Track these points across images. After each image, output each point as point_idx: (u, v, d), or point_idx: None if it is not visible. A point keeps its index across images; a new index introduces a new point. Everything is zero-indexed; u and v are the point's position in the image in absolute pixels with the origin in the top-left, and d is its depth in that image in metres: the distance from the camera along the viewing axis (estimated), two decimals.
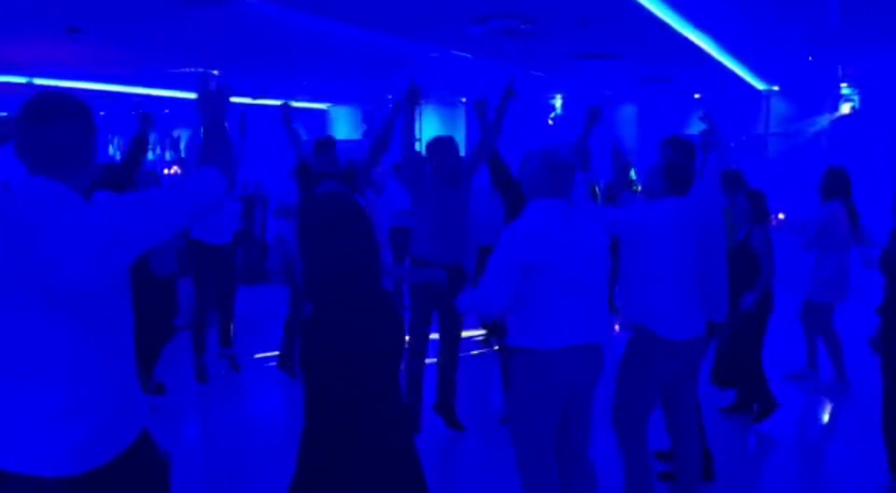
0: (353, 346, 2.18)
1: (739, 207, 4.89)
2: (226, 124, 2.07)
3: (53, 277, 1.68)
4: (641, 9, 5.90)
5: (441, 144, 4.61)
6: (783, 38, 7.57)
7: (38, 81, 10.71)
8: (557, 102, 14.42)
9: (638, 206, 3.82)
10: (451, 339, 4.61)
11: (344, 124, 15.78)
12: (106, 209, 1.75)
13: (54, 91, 1.88)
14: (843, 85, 12.03)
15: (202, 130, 2.07)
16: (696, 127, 14.03)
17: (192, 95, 13.39)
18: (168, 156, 18.51)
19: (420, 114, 15.70)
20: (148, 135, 4.94)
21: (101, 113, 17.89)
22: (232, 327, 6.12)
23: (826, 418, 5.39)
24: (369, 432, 2.21)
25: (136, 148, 4.85)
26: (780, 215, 9.86)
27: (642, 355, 3.40)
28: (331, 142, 5.35)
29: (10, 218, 1.72)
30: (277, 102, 16.93)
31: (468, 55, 8.39)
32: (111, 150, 19.38)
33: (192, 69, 10.09)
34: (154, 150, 18.95)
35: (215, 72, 9.81)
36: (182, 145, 18.61)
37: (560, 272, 2.90)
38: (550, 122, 14.73)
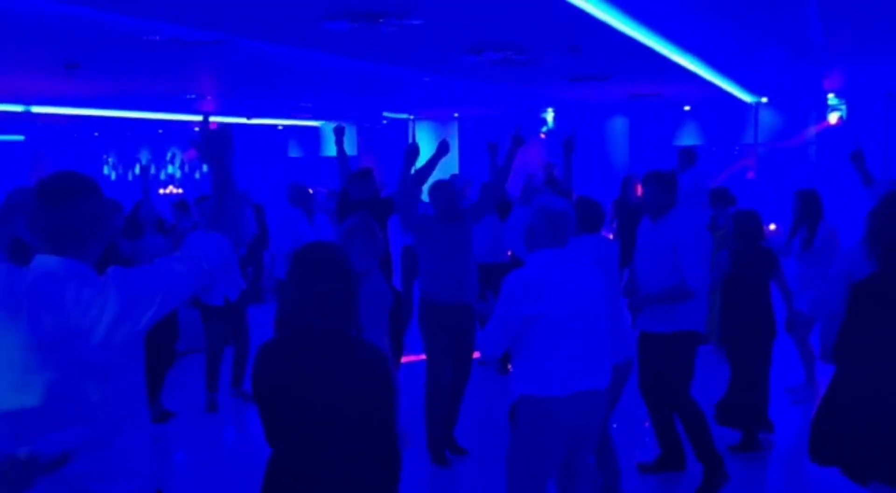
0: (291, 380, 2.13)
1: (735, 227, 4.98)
2: (231, 169, 2.12)
3: (67, 342, 1.76)
4: (628, 37, 6.04)
5: (440, 190, 4.69)
6: (769, 56, 7.73)
7: (36, 109, 10.82)
8: (549, 115, 14.56)
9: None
10: (460, 373, 4.73)
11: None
12: (120, 283, 1.83)
13: (67, 172, 1.93)
14: (830, 95, 12.21)
15: (211, 180, 2.11)
16: (685, 139, 14.20)
17: (184, 117, 13.50)
18: (162, 176, 18.60)
19: (413, 129, 15.84)
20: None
21: (96, 134, 17.98)
22: (245, 365, 6.08)
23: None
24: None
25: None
26: (772, 226, 9.98)
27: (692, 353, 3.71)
28: (368, 172, 5.57)
29: (27, 288, 1.79)
30: (271, 122, 16.96)
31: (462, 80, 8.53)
32: (106, 169, 19.47)
33: (188, 96, 10.20)
34: (150, 169, 19.02)
35: (209, 117, 9.89)
36: (176, 164, 18.74)
37: (561, 321, 2.98)
38: (542, 135, 14.86)
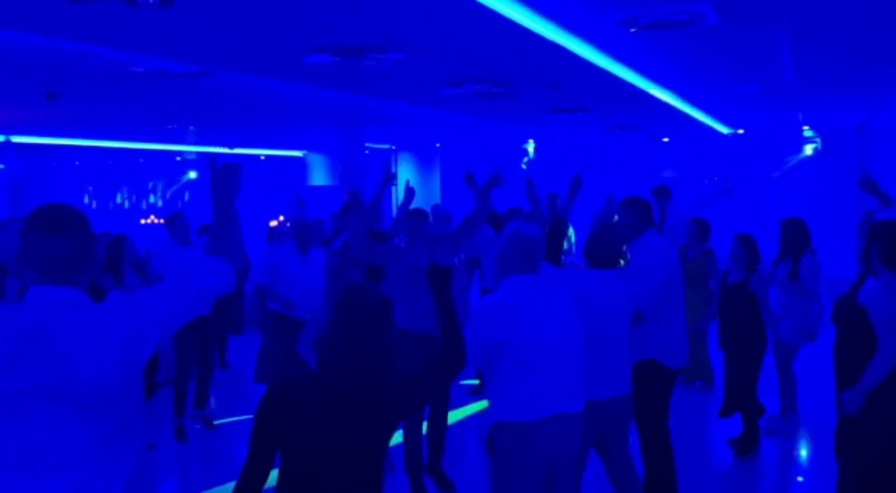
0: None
1: (734, 253, 5.19)
2: (235, 204, 2.14)
3: (70, 377, 1.75)
4: (606, 73, 6.16)
5: (411, 218, 4.73)
6: (743, 92, 7.90)
7: (16, 139, 10.78)
8: (530, 147, 14.72)
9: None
10: (440, 403, 4.71)
11: (320, 172, 15.92)
12: (118, 309, 1.83)
13: (57, 204, 1.95)
14: (806, 127, 12.47)
15: (214, 211, 2.13)
16: (665, 171, 14.30)
17: (165, 147, 13.49)
18: (143, 205, 18.52)
19: (395, 159, 15.92)
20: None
21: (77, 163, 17.89)
22: (208, 388, 6.16)
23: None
24: None
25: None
26: None
27: (660, 386, 3.67)
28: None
29: (25, 326, 1.79)
30: (253, 151, 16.93)
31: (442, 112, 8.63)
32: (86, 199, 19.35)
33: (169, 126, 10.21)
34: (130, 198, 18.95)
35: (192, 129, 9.92)
36: (157, 195, 18.67)
37: (533, 346, 3.01)
38: (524, 166, 15.00)
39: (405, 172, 16.11)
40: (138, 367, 1.87)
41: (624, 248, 3.88)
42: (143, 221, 17.11)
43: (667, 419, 4.13)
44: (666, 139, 13.45)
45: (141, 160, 16.84)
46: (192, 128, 9.87)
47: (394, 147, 15.61)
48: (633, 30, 4.54)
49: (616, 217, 4.45)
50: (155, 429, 5.85)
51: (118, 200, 18.88)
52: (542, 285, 3.15)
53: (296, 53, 5.16)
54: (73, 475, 1.80)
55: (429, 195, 15.88)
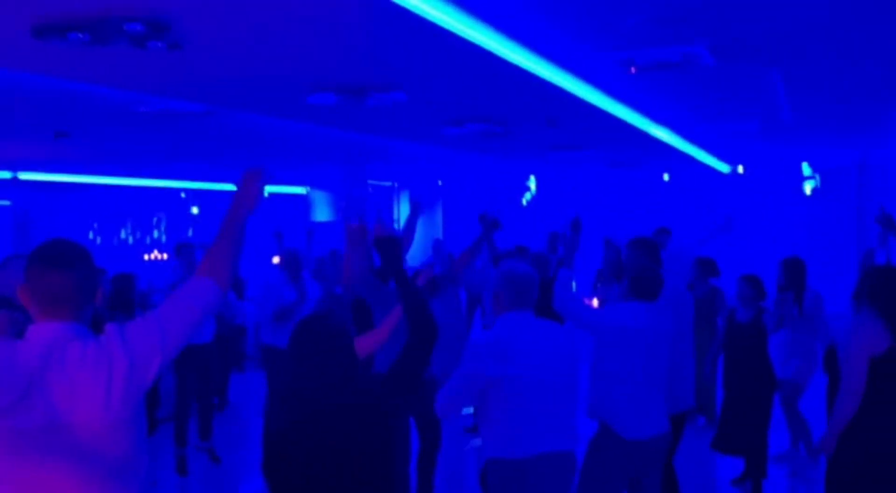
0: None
1: (741, 292, 5.16)
2: (245, 224, 2.17)
3: (75, 413, 1.77)
4: (604, 112, 6.25)
5: None
6: (741, 131, 8.00)
7: (23, 176, 10.90)
8: (532, 183, 14.81)
9: (613, 307, 3.99)
10: (430, 442, 4.70)
11: (323, 208, 16.02)
12: (117, 340, 1.85)
13: (59, 239, 2.00)
14: (805, 164, 12.56)
15: (225, 223, 2.13)
16: (665, 208, 14.34)
17: (169, 183, 13.61)
18: (147, 240, 18.61)
19: (398, 197, 16.03)
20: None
21: (82, 199, 18.03)
22: (211, 420, 6.16)
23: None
24: None
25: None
26: None
27: (604, 452, 3.57)
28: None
29: (30, 365, 1.80)
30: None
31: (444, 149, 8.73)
32: (90, 234, 19.45)
33: (176, 163, 10.33)
34: (134, 234, 19.05)
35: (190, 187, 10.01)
36: (161, 229, 18.77)
37: (527, 383, 3.03)
38: (524, 202, 15.08)
39: (407, 209, 16.19)
40: (141, 396, 1.89)
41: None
42: (146, 257, 17.17)
43: (672, 458, 4.13)
44: (666, 176, 13.54)
45: (146, 196, 16.97)
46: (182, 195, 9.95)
47: (396, 184, 15.73)
48: (633, 69, 4.63)
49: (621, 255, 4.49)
50: (156, 465, 5.84)
51: (122, 235, 18.98)
52: (537, 322, 3.19)
53: (299, 93, 5.26)
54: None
55: (431, 231, 15.95)
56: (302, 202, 16.50)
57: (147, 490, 2.01)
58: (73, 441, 1.79)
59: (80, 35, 3.33)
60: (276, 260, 8.70)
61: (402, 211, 16.08)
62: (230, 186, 14.30)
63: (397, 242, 2.61)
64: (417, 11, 3.36)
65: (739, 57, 4.71)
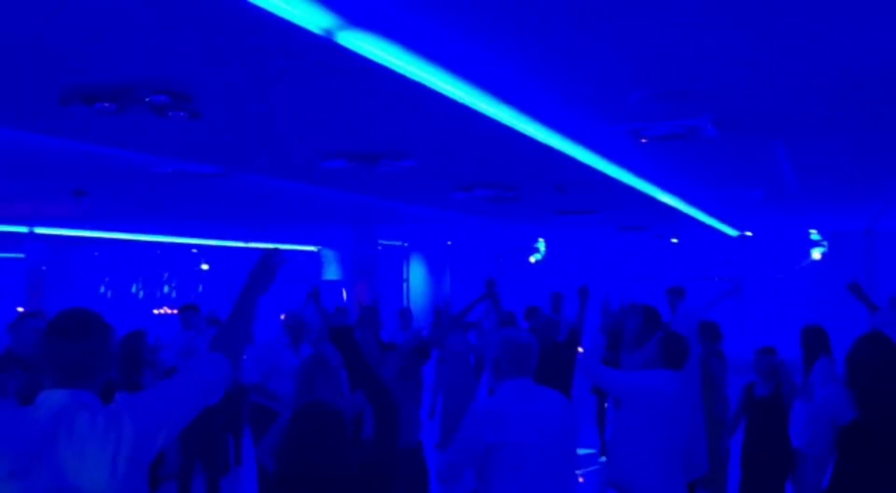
0: None
1: (759, 366, 5.04)
2: (258, 302, 2.22)
3: (81, 481, 1.79)
4: (611, 179, 6.36)
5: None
6: (746, 198, 8.09)
7: (39, 231, 11.08)
8: (541, 245, 14.92)
9: (644, 373, 3.92)
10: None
11: (333, 266, 16.12)
12: (125, 411, 1.88)
13: (77, 309, 2.06)
14: (813, 231, 12.61)
15: (239, 301, 2.20)
16: (673, 271, 14.33)
17: (181, 240, 13.76)
18: (157, 295, 18.72)
19: (408, 258, 16.13)
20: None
21: (96, 254, 18.24)
22: (217, 481, 6.09)
23: None
24: None
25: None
26: None
27: None
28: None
29: (38, 430, 1.83)
30: (267, 246, 17.24)
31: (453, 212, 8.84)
32: (102, 289, 19.59)
33: (189, 221, 10.49)
34: (145, 289, 19.17)
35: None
36: (172, 284, 18.90)
37: (525, 450, 3.03)
38: (533, 260, 15.15)
39: (417, 270, 16.27)
40: (146, 466, 1.92)
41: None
42: (155, 311, 17.25)
43: None
44: (675, 240, 13.61)
45: (158, 252, 17.16)
46: (194, 250, 10.10)
47: (406, 244, 15.85)
48: (643, 140, 4.74)
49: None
50: None
51: (133, 290, 19.10)
52: (536, 390, 3.21)
53: (312, 159, 5.40)
54: None
55: (438, 293, 15.97)
56: (314, 260, 16.64)
57: None
58: None
59: (106, 105, 3.47)
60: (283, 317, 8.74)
61: (413, 272, 16.16)
62: (240, 243, 14.48)
63: (350, 332, 2.71)
64: (428, 84, 3.48)
65: (743, 129, 4.82)
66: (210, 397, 2.05)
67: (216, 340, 2.14)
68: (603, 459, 7.30)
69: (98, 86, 3.40)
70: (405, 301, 15.67)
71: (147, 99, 3.40)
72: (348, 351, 2.65)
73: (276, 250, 2.38)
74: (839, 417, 3.27)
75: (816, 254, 12.57)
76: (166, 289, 18.61)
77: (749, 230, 12.76)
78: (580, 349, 5.60)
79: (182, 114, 3.61)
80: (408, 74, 3.32)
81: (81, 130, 4.41)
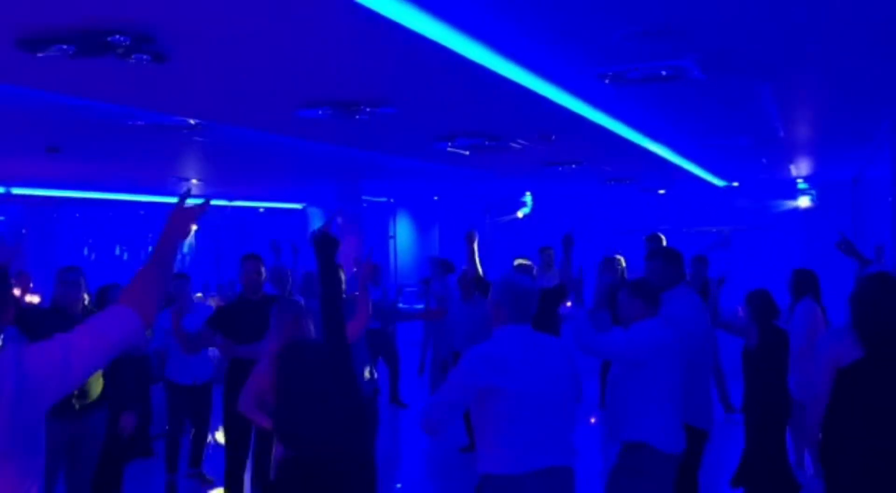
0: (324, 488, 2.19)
1: (748, 315, 4.96)
2: (177, 249, 2.07)
3: None
4: (598, 126, 6.25)
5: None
6: (733, 145, 8.00)
7: (17, 191, 10.89)
8: (528, 198, 14.83)
9: (641, 326, 3.83)
10: None
11: (319, 224, 15.99)
12: (11, 364, 1.73)
13: None
14: (800, 180, 12.57)
15: (156, 253, 2.03)
16: (661, 223, 14.36)
17: (164, 199, 13.58)
18: (142, 257, 18.57)
19: (394, 214, 16.02)
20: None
21: (77, 215, 18.03)
22: (203, 447, 6.09)
23: None
24: None
25: None
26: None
27: (647, 473, 3.54)
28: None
29: None
30: (252, 204, 17.01)
31: (437, 164, 8.72)
32: (85, 251, 19.42)
33: (169, 178, 10.32)
34: (129, 250, 19.02)
35: (194, 181, 10.01)
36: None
37: (523, 397, 2.99)
38: (520, 215, 15.08)
39: (403, 225, 16.17)
40: (34, 424, 1.78)
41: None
42: None
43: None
44: (662, 191, 13.54)
45: (141, 212, 16.96)
46: (193, 182, 9.95)
47: (392, 200, 15.73)
48: (606, 81, 4.61)
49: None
50: (147, 486, 5.77)
51: (117, 252, 18.94)
52: (535, 336, 3.16)
53: (288, 108, 5.25)
54: None
55: (428, 247, 15.91)
56: (300, 218, 16.50)
57: None
58: None
59: (65, 47, 3.32)
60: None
61: (399, 228, 16.07)
62: (224, 202, 14.31)
63: (335, 244, 2.71)
64: (407, 25, 3.35)
65: (729, 71, 4.71)
66: (114, 353, 1.88)
67: (126, 292, 1.94)
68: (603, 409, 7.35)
69: (56, 27, 3.24)
70: (392, 258, 15.62)
71: (108, 40, 3.25)
72: (329, 261, 2.61)
73: (188, 189, 2.25)
74: (842, 358, 3.26)
75: (804, 202, 12.57)
76: (151, 250, 18.42)
77: (736, 181, 12.71)
78: (568, 303, 5.56)
79: (146, 57, 3.46)
80: (386, 15, 3.19)
81: (44, 77, 4.25)
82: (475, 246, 5.77)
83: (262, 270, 5.20)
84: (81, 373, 1.83)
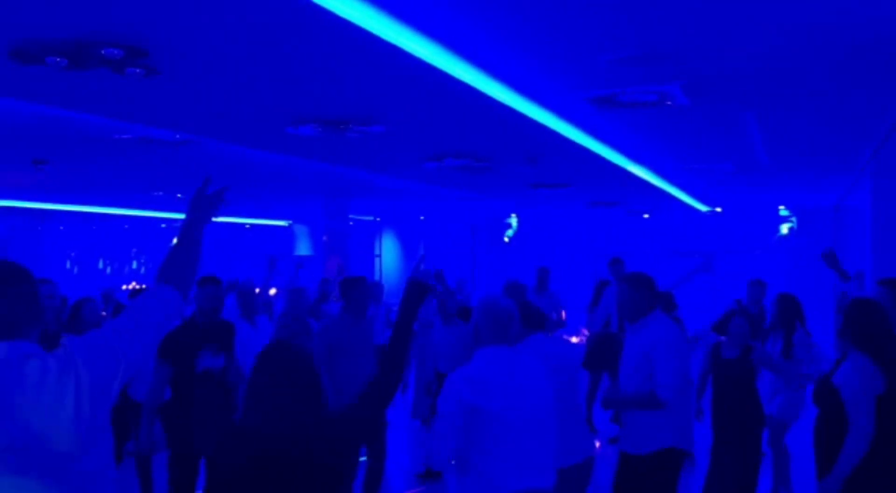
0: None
1: (734, 328, 4.94)
2: (203, 231, 2.17)
3: (30, 433, 1.71)
4: (584, 149, 6.32)
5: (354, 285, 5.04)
6: (717, 170, 8.11)
7: (1, 203, 10.82)
8: (513, 220, 14.90)
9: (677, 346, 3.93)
10: (375, 472, 4.85)
11: (305, 241, 15.97)
12: (77, 355, 1.80)
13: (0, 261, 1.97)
14: (781, 207, 12.73)
15: (182, 234, 2.14)
16: (645, 246, 14.43)
17: (149, 214, 13.53)
18: (125, 271, 18.44)
19: (380, 234, 16.03)
20: None
21: (61, 228, 17.90)
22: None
23: None
24: None
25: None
26: None
27: (673, 472, 3.75)
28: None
29: None
30: (238, 220, 16.99)
31: (425, 184, 8.77)
32: (68, 264, 19.25)
33: (155, 193, 10.30)
34: (112, 264, 18.88)
35: (179, 196, 9.98)
36: (141, 260, 18.63)
37: (503, 417, 2.98)
38: (506, 239, 15.14)
39: (389, 245, 16.19)
40: (108, 407, 1.84)
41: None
42: (124, 287, 17.00)
43: None
44: (646, 215, 13.66)
45: (125, 226, 16.88)
46: (179, 195, 9.94)
47: (378, 219, 15.74)
48: (592, 104, 4.69)
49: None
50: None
51: (100, 265, 18.80)
52: (515, 357, 3.17)
53: (278, 124, 5.28)
54: None
55: (411, 268, 15.92)
56: (286, 235, 16.48)
57: None
58: (41, 458, 1.74)
59: (59, 59, 3.34)
60: (272, 291, 8.66)
61: (385, 247, 16.08)
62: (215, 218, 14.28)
63: (427, 291, 2.61)
64: (398, 45, 3.39)
65: (713, 97, 4.79)
66: (162, 331, 1.99)
67: (162, 272, 2.07)
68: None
69: (50, 39, 3.26)
70: (378, 276, 15.61)
71: (102, 53, 3.27)
72: (414, 309, 2.53)
73: (209, 177, 2.30)
74: (876, 388, 3.30)
75: (785, 229, 12.71)
76: (135, 264, 18.33)
77: (719, 206, 12.85)
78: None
79: (139, 71, 3.48)
80: (377, 34, 3.23)
81: (36, 90, 4.26)
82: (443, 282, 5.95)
83: (221, 294, 4.77)
84: (140, 353, 1.90)
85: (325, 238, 11.98)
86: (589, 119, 5.55)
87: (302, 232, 15.90)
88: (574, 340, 8.97)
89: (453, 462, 3.10)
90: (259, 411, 2.16)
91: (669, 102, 4.72)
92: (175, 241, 2.16)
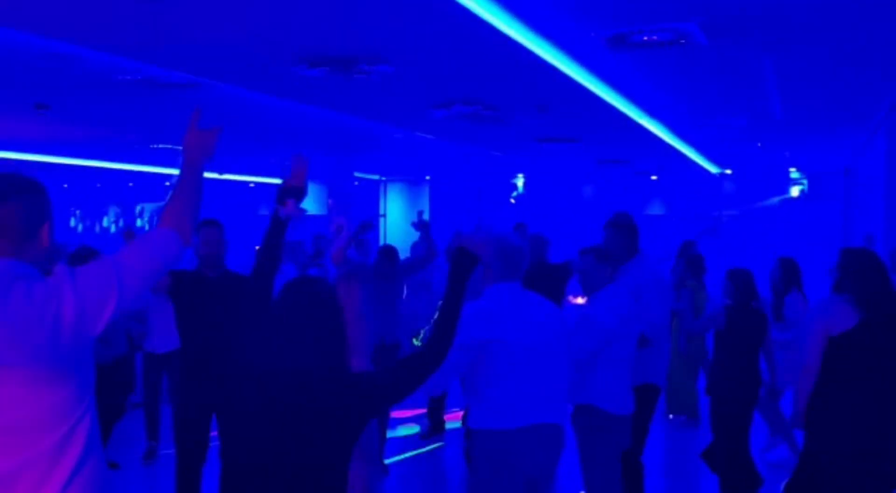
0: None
1: (727, 290, 4.70)
2: (203, 172, 2.08)
3: (17, 350, 1.67)
4: (596, 97, 6.20)
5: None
6: (730, 125, 7.97)
7: (3, 154, 10.73)
8: (519, 181, 14.79)
9: (613, 298, 3.80)
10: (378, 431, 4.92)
11: (311, 199, 15.91)
12: (67, 282, 1.74)
13: (5, 171, 1.90)
14: (792, 169, 12.59)
15: (181, 176, 2.05)
16: (652, 208, 14.42)
17: (154, 169, 13.45)
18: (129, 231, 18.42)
19: (385, 190, 15.94)
20: None
21: (65, 185, 17.85)
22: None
23: None
24: None
25: None
26: None
27: (599, 433, 3.56)
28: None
29: None
30: (242, 178, 16.93)
31: (431, 137, 8.65)
32: (73, 222, 19.23)
33: (157, 146, 10.20)
34: (117, 222, 18.85)
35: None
36: (145, 218, 18.59)
37: (514, 351, 2.97)
38: (512, 200, 15.06)
39: (394, 203, 16.11)
40: (91, 341, 1.80)
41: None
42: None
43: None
44: (654, 177, 13.54)
45: (130, 184, 16.81)
46: (167, 183, 9.83)
47: (384, 178, 15.65)
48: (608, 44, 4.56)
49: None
50: (121, 448, 5.68)
51: (105, 223, 18.78)
52: (526, 293, 3.14)
53: (285, 64, 5.17)
54: (22, 452, 1.72)
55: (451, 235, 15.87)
56: None
57: (110, 471, 1.90)
58: (15, 384, 1.70)
59: None
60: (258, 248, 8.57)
61: (390, 206, 16.01)
62: (215, 175, 14.19)
63: (476, 261, 2.47)
64: None
65: (732, 37, 4.66)
66: (159, 271, 1.91)
67: (164, 215, 1.98)
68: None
69: None
70: (382, 236, 15.56)
71: None
72: (463, 281, 2.40)
73: (198, 109, 2.19)
74: (832, 328, 3.29)
75: (795, 192, 12.60)
76: (139, 223, 18.32)
77: (729, 168, 12.71)
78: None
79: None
80: None
81: (38, 22, 4.15)
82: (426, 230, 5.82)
83: (224, 239, 4.32)
84: (130, 292, 1.83)
85: (329, 201, 11.94)
86: (602, 63, 5.42)
87: (311, 191, 15.83)
88: (579, 301, 8.89)
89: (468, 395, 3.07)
90: (283, 347, 2.03)
91: (685, 41, 4.59)
92: (176, 183, 2.05)
